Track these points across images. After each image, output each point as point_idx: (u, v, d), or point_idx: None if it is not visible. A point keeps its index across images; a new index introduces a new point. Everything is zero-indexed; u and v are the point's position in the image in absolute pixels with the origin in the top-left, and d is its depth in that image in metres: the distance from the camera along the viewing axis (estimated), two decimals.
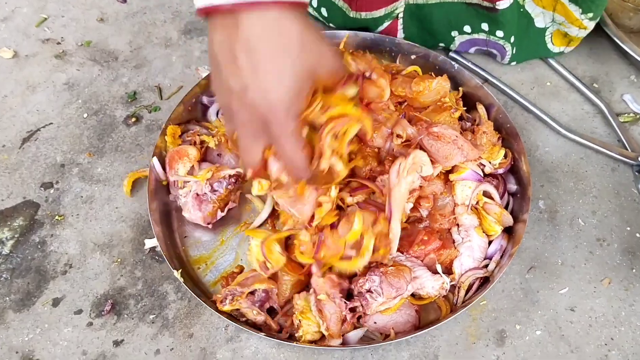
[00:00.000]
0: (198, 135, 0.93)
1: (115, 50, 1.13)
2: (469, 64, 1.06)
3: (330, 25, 1.11)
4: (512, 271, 0.87)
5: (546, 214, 0.92)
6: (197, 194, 0.87)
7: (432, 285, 0.80)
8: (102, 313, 0.84)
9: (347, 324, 0.78)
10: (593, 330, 0.83)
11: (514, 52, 1.03)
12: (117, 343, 0.82)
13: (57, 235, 0.91)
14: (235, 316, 0.80)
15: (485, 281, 0.83)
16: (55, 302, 0.85)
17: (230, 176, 0.88)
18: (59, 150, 1.00)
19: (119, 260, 0.89)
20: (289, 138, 0.67)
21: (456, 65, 0.99)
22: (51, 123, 1.03)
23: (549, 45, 1.04)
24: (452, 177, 0.86)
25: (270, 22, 0.62)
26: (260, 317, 0.80)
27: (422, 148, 0.84)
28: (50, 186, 0.96)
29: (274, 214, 0.89)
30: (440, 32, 1.04)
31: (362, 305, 0.78)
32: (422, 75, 0.98)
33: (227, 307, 0.78)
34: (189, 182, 0.87)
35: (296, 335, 0.79)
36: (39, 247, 0.90)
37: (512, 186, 0.91)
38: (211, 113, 0.98)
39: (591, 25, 1.00)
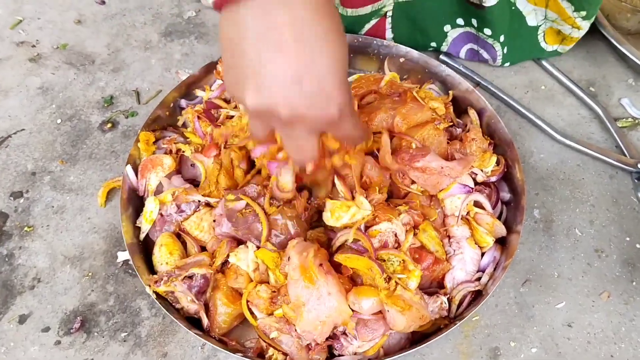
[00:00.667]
0: (174, 143, 0.88)
1: (92, 53, 1.08)
2: (460, 67, 1.02)
3: None
4: (505, 284, 0.83)
5: (541, 223, 0.88)
6: (162, 214, 0.82)
7: (430, 309, 0.75)
8: (71, 331, 0.79)
9: (314, 351, 0.73)
10: (592, 347, 0.78)
11: (504, 52, 0.99)
12: None
13: (25, 248, 0.86)
14: (171, 301, 0.76)
15: (478, 295, 0.79)
16: (22, 319, 0.80)
17: (199, 202, 0.82)
18: (31, 157, 0.95)
19: (90, 274, 0.84)
20: (353, 116, 0.63)
21: (447, 69, 0.95)
22: (23, 129, 0.98)
23: (542, 44, 1.00)
24: (440, 195, 0.81)
25: (315, 3, 0.55)
26: (193, 305, 0.75)
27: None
28: (20, 195, 0.91)
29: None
30: (432, 28, 1.00)
31: (335, 347, 0.74)
32: (409, 102, 0.88)
33: (161, 288, 0.74)
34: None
35: (265, 356, 0.74)
36: (6, 260, 0.85)
37: (506, 195, 0.86)
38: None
39: (585, 25, 0.96)
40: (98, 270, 0.84)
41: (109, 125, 0.98)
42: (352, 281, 0.75)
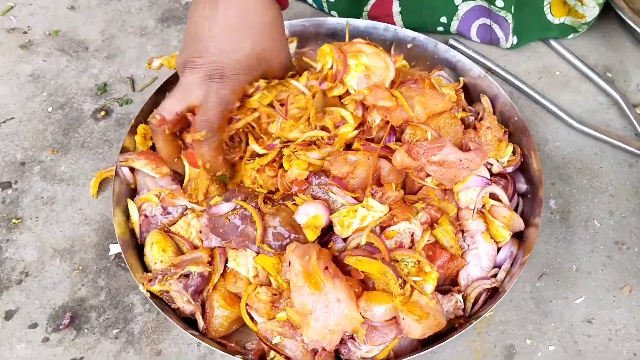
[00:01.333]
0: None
1: (85, 40, 1.04)
2: (471, 52, 0.97)
3: (313, 4, 1.02)
4: (521, 279, 0.78)
5: (558, 214, 0.83)
6: (146, 215, 0.77)
7: (445, 309, 0.71)
8: (60, 327, 0.75)
9: (321, 356, 0.68)
10: (613, 344, 0.73)
11: (513, 24, 0.94)
12: None
13: (13, 241, 0.82)
14: (166, 301, 0.71)
15: (494, 292, 0.74)
16: (8, 315, 0.76)
17: (186, 207, 0.77)
18: (20, 147, 0.90)
19: (80, 267, 0.79)
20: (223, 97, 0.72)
21: (457, 54, 0.90)
22: (12, 118, 0.94)
23: (549, 17, 0.95)
24: (455, 188, 0.76)
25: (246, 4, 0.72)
26: (188, 307, 0.71)
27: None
28: (8, 186, 0.86)
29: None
30: (442, 1, 0.95)
31: (342, 352, 0.69)
32: (427, 89, 0.83)
33: (155, 287, 0.69)
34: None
35: (267, 358, 0.69)
36: None
37: (522, 186, 0.81)
38: None
39: (590, 2, 0.91)
40: (89, 264, 0.79)
41: (103, 113, 0.94)
42: (362, 283, 0.70)
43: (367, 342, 0.66)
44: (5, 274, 0.79)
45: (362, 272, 0.68)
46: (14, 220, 0.83)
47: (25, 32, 1.05)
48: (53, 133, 0.92)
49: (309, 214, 0.71)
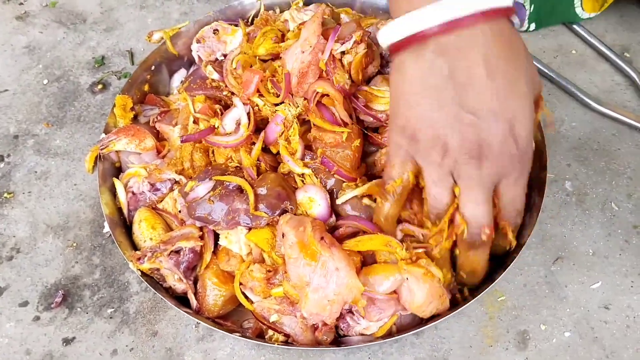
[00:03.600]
0: (157, 120, 0.78)
1: (83, 12, 1.00)
2: None
3: None
4: (535, 262, 0.74)
5: (574, 196, 0.79)
6: (134, 193, 0.73)
7: None
8: (52, 306, 0.71)
9: (321, 332, 0.65)
10: (631, 331, 0.70)
11: (531, 10, 0.90)
12: (67, 341, 0.69)
13: (4, 215, 0.78)
14: (157, 280, 0.68)
15: (499, 266, 0.70)
16: None
17: (175, 181, 0.73)
18: (13, 119, 0.87)
19: (74, 244, 0.76)
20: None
21: None
22: (6, 90, 0.90)
23: (577, 10, 0.92)
24: None
25: (501, 34, 0.53)
26: (180, 285, 0.67)
27: None
28: (1, 160, 0.83)
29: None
30: None
31: (340, 327, 0.66)
32: None
33: (145, 266, 0.65)
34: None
35: (265, 336, 0.66)
36: None
37: None
38: (174, 82, 0.86)
39: None
40: (83, 241, 0.76)
41: (100, 86, 0.90)
42: (361, 258, 0.66)
43: (365, 316, 0.63)
44: None
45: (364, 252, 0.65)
46: (5, 195, 0.80)
47: (21, 4, 1.01)
48: (48, 106, 0.88)
49: (309, 194, 0.67)
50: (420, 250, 0.64)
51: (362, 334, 0.65)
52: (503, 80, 0.53)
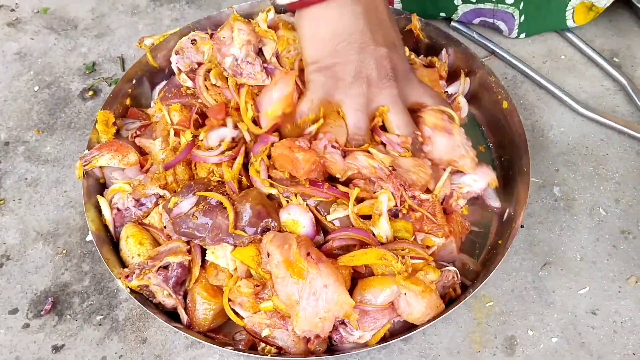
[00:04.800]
0: (137, 134, 0.78)
1: (75, 18, 1.00)
2: (474, 35, 0.94)
3: None
4: (523, 267, 0.75)
5: (562, 202, 0.80)
6: (119, 209, 0.73)
7: (441, 284, 0.67)
8: (41, 313, 0.72)
9: (314, 344, 0.65)
10: (618, 336, 0.70)
11: (521, 20, 0.91)
12: (56, 348, 0.69)
13: None
14: (146, 296, 0.68)
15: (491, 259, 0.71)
16: None
17: (159, 196, 0.73)
18: (4, 126, 0.87)
19: (64, 251, 0.76)
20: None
21: (459, 37, 0.87)
22: None
23: (569, 22, 0.92)
24: None
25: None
26: (169, 300, 0.67)
27: None
28: None
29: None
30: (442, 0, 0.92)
31: (334, 339, 0.66)
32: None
33: (134, 283, 0.65)
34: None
35: (258, 348, 0.66)
36: None
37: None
38: (156, 94, 0.86)
39: None
40: (73, 248, 0.76)
41: (91, 93, 0.90)
42: (355, 272, 0.66)
43: (358, 327, 0.63)
44: None
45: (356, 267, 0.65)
46: None
47: (13, 10, 1.01)
48: (39, 113, 0.88)
49: (292, 216, 0.67)
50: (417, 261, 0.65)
51: (356, 343, 0.65)
52: (377, 27, 0.69)
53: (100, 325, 0.71)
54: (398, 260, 0.62)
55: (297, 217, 0.67)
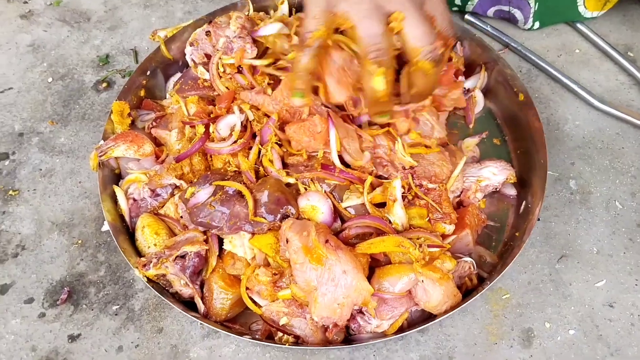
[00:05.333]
0: (153, 125, 0.78)
1: (88, 11, 1.00)
2: (488, 28, 0.94)
3: None
4: (540, 260, 0.75)
5: (578, 195, 0.80)
6: (135, 199, 0.73)
7: (457, 275, 0.67)
8: (57, 302, 0.71)
9: (332, 332, 0.65)
10: (636, 329, 0.70)
11: (536, 7, 0.90)
12: (72, 338, 0.69)
13: (9, 213, 0.78)
14: (163, 286, 0.68)
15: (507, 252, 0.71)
16: (4, 289, 0.73)
17: (175, 186, 0.73)
18: (18, 117, 0.87)
19: (79, 241, 0.76)
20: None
21: (473, 30, 0.86)
22: (11, 88, 0.90)
23: (580, 9, 0.92)
24: None
25: None
26: (187, 290, 0.67)
27: None
28: (6, 157, 0.83)
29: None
30: None
31: (352, 328, 0.66)
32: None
33: (151, 272, 0.65)
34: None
35: (275, 337, 0.66)
36: None
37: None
38: (170, 86, 0.86)
39: None
40: (88, 238, 0.76)
41: (104, 84, 0.90)
42: (373, 260, 0.66)
43: (376, 316, 0.63)
44: (1, 247, 0.76)
45: (374, 255, 0.65)
46: (10, 192, 0.80)
47: (25, 2, 1.01)
48: (53, 104, 0.88)
49: (311, 202, 0.67)
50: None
51: (374, 332, 0.65)
52: None
53: (116, 315, 0.70)
54: (416, 248, 0.62)
55: (316, 203, 0.67)
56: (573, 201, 0.79)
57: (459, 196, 0.73)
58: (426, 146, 0.73)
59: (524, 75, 0.90)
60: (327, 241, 0.61)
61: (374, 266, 0.66)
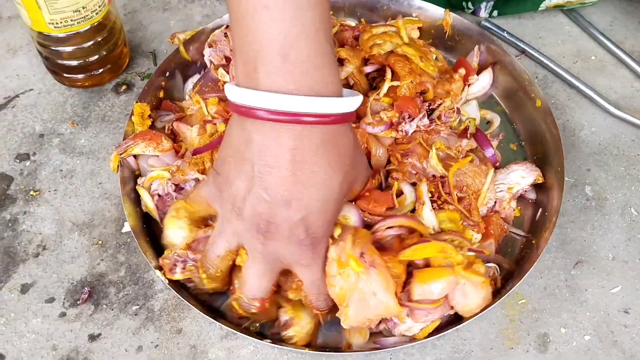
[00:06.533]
0: (173, 127, 0.80)
1: None
2: (505, 34, 0.94)
3: None
4: (555, 266, 0.75)
5: (594, 201, 0.80)
6: (160, 195, 0.74)
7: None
8: (78, 302, 0.72)
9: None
10: None
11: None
12: (93, 337, 0.70)
13: (30, 213, 0.79)
14: (182, 282, 0.69)
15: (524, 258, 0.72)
16: (24, 289, 0.74)
17: (198, 180, 0.74)
18: (39, 118, 0.88)
19: (99, 242, 0.77)
20: (319, 263, 0.61)
21: (490, 36, 0.87)
22: (31, 89, 0.91)
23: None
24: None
25: (330, 136, 0.57)
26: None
27: None
28: (27, 158, 0.84)
29: None
30: None
31: (386, 327, 0.67)
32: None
33: (178, 276, 0.67)
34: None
35: (283, 335, 0.66)
36: (10, 225, 0.78)
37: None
38: (188, 87, 0.87)
39: None
40: (109, 239, 0.77)
41: (124, 87, 0.91)
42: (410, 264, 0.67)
43: (410, 317, 0.64)
44: (22, 247, 0.77)
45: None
46: (31, 193, 0.81)
47: None
48: (73, 106, 0.89)
49: (342, 212, 0.68)
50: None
51: (403, 335, 0.66)
52: (307, 174, 0.56)
53: (136, 315, 0.71)
54: (458, 253, 0.62)
55: (345, 212, 0.67)
56: (589, 207, 0.80)
57: (493, 207, 0.74)
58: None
59: (540, 81, 0.91)
60: (362, 255, 0.61)
61: (411, 269, 0.66)
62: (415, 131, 0.75)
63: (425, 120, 0.74)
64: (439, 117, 0.76)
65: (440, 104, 0.75)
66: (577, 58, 0.94)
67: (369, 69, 0.80)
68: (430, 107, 0.75)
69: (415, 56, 0.76)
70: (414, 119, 0.74)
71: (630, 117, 0.86)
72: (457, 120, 0.79)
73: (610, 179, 0.82)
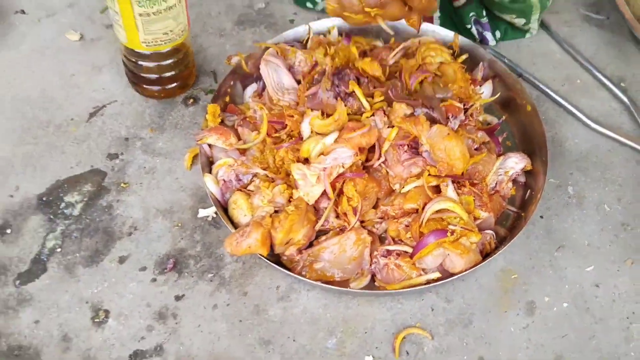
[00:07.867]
0: (239, 124, 1.00)
1: None
2: (505, 60, 1.14)
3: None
4: (542, 249, 0.94)
5: (574, 199, 0.99)
6: (225, 180, 0.93)
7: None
8: (165, 270, 0.92)
9: None
10: (616, 305, 0.89)
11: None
12: (178, 297, 0.89)
13: (122, 201, 0.99)
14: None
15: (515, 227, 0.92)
16: (122, 260, 0.93)
17: (254, 174, 0.94)
18: (123, 125, 1.08)
19: (179, 224, 0.96)
20: None
21: (491, 57, 1.07)
22: (115, 100, 1.11)
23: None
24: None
25: None
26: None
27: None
28: (116, 157, 1.04)
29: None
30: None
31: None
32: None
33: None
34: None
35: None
36: (106, 210, 0.98)
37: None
38: (247, 94, 1.07)
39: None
40: (186, 222, 0.97)
41: (191, 100, 1.11)
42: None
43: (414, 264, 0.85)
44: (118, 227, 0.96)
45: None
46: (122, 185, 1.01)
47: None
48: (150, 115, 1.09)
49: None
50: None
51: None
52: None
53: (211, 281, 0.91)
54: (456, 225, 0.82)
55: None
56: (570, 204, 0.99)
57: (494, 187, 0.93)
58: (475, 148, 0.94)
59: (534, 100, 1.10)
60: None
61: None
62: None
63: (462, 116, 0.95)
64: (471, 115, 0.96)
65: (472, 105, 0.97)
66: (565, 81, 1.14)
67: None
68: (465, 107, 0.97)
69: (457, 69, 0.99)
70: (457, 117, 0.94)
71: (607, 131, 1.05)
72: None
73: (589, 181, 1.01)
